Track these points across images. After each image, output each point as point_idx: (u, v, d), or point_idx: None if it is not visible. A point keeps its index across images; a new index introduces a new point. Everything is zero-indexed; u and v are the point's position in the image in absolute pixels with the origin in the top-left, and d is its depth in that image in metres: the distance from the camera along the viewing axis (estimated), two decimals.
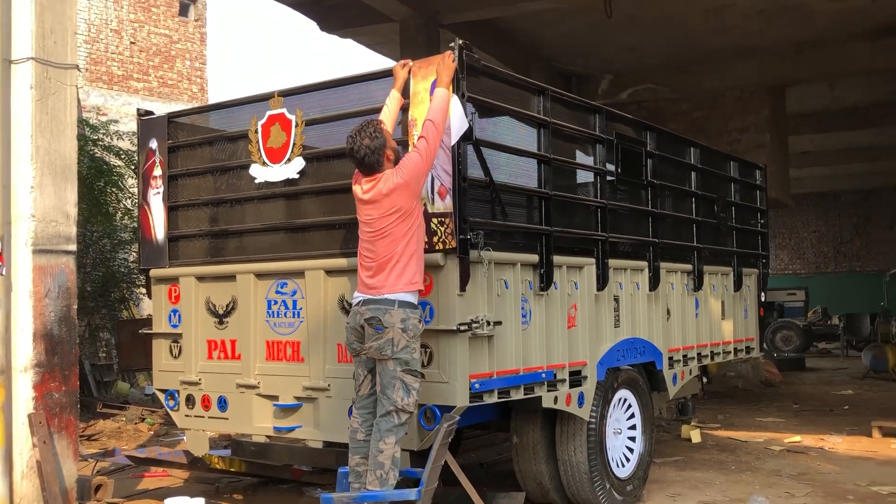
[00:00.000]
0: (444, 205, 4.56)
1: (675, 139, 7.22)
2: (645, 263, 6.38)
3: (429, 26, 11.00)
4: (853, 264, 28.01)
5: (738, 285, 7.99)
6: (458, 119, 4.55)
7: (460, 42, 4.60)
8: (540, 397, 5.14)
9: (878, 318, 16.68)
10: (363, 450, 4.51)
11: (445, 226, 4.55)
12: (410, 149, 4.54)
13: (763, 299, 8.72)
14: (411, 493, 4.25)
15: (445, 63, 4.55)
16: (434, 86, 4.58)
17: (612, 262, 5.85)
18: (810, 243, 28.76)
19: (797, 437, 8.70)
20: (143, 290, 6.82)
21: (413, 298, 4.44)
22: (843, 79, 14.27)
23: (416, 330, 4.41)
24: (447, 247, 4.55)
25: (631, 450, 6.13)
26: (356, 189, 4.59)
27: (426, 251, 4.59)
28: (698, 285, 7.13)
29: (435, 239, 4.60)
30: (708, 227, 7.45)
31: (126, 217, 12.95)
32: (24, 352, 4.86)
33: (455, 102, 4.55)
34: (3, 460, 4.84)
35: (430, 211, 4.61)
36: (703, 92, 13.76)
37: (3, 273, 4.89)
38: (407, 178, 4.39)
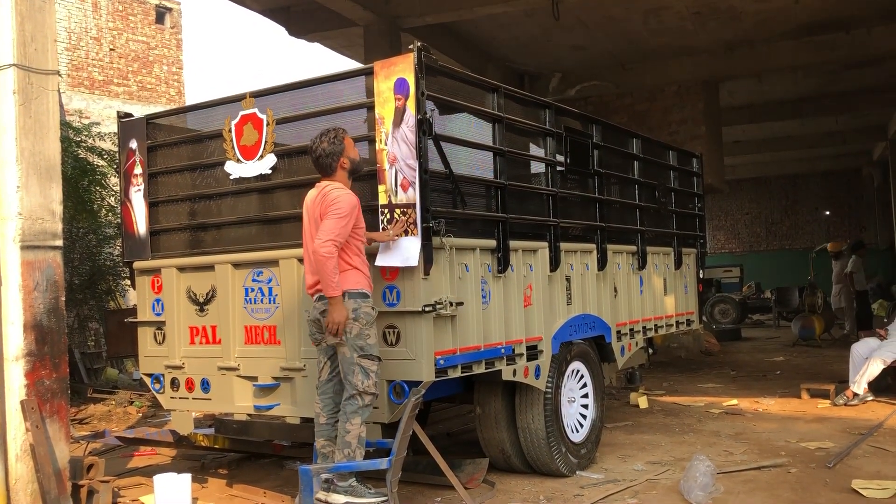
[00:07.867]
0: (407, 196, 4.55)
1: (618, 131, 7.26)
2: (593, 246, 6.43)
3: (391, 30, 10.90)
4: (783, 243, 28.44)
5: (678, 264, 8.08)
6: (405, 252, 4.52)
7: (419, 44, 4.57)
8: (500, 371, 5.16)
9: (805, 291, 16.92)
10: (326, 432, 4.52)
11: (408, 216, 4.54)
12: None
13: (701, 276, 8.83)
14: (382, 462, 4.26)
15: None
16: (396, 85, 4.56)
17: (564, 246, 5.89)
18: (744, 224, 29.13)
19: (734, 401, 8.85)
20: (128, 282, 6.70)
21: (363, 288, 4.42)
22: (771, 74, 14.45)
23: (368, 317, 4.39)
24: (409, 235, 4.54)
25: (584, 416, 6.19)
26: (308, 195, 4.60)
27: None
28: (642, 264, 7.21)
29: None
30: (650, 212, 7.52)
31: (110, 213, 12.72)
32: (16, 342, 4.76)
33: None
34: None
35: (393, 202, 4.59)
36: (645, 87, 13.85)
37: None
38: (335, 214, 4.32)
